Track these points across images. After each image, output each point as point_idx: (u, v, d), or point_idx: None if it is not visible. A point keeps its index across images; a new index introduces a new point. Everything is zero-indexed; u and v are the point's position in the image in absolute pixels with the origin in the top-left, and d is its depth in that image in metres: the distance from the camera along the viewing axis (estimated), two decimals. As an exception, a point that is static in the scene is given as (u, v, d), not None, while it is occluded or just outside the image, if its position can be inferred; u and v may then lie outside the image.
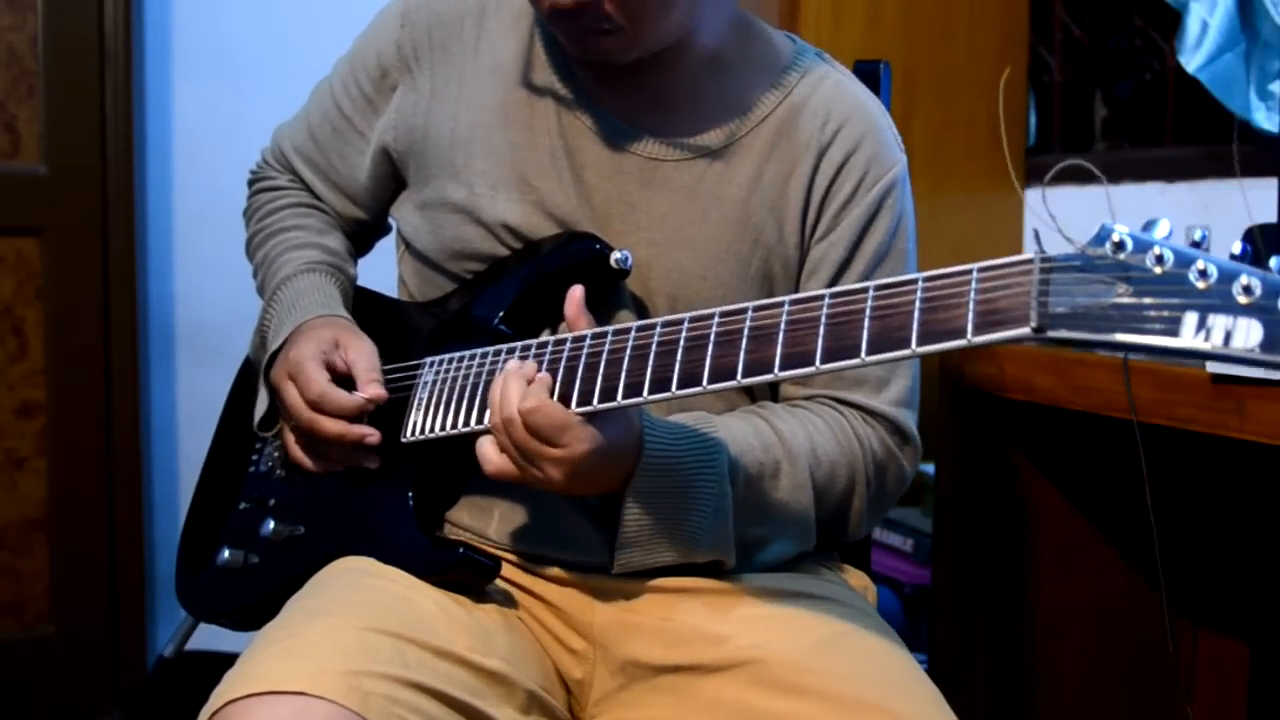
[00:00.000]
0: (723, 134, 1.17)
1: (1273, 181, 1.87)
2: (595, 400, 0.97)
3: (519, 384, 1.00)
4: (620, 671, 1.13)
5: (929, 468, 2.14)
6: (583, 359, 0.99)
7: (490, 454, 1.03)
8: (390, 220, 1.33)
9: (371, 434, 1.13)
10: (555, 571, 1.16)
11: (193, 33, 2.70)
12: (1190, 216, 2.01)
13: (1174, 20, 2.09)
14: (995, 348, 1.75)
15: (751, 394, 1.21)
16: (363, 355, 1.16)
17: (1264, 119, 2.01)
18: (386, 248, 1.38)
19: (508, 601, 1.14)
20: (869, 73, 1.44)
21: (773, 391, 1.22)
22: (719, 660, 1.07)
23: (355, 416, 1.14)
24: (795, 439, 1.12)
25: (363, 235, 1.37)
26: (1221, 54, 2.01)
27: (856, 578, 1.26)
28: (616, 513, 1.06)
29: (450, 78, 1.21)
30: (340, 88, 1.28)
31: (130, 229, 2.57)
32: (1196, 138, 2.07)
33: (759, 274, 1.16)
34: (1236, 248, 0.73)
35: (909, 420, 1.20)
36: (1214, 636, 2.02)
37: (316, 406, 1.13)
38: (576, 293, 1.03)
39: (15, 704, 2.53)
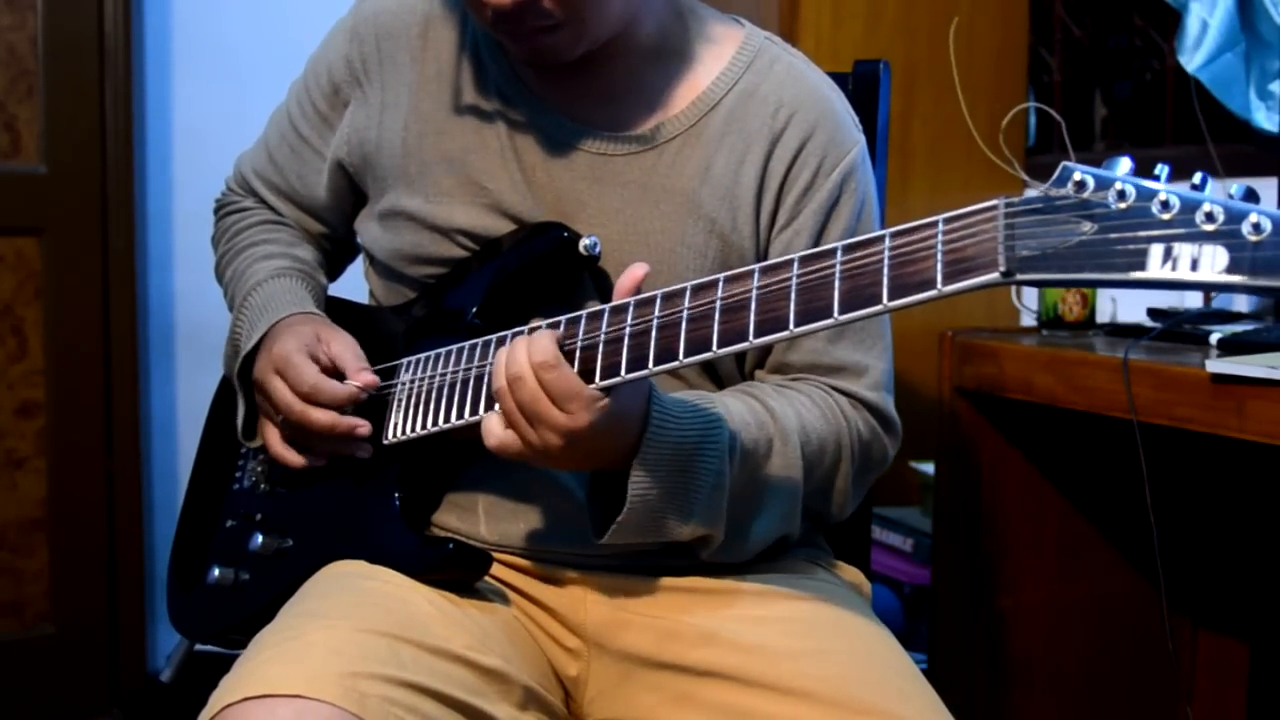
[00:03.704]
0: (671, 125, 1.17)
1: (1273, 181, 1.87)
2: (624, 371, 0.95)
3: (524, 348, 0.98)
4: (615, 665, 1.13)
5: (929, 467, 2.14)
6: (601, 335, 0.98)
7: (494, 427, 1.01)
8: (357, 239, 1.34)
9: (362, 425, 1.13)
10: (546, 569, 1.16)
11: (193, 32, 2.70)
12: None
13: (1174, 20, 2.09)
14: (995, 347, 1.75)
15: (719, 379, 1.20)
16: (346, 346, 1.16)
17: (1264, 119, 2.01)
18: (355, 265, 1.38)
19: (502, 599, 1.14)
20: (869, 73, 1.44)
21: (741, 378, 1.22)
22: (712, 662, 1.07)
23: (344, 408, 1.14)
24: (786, 417, 1.11)
25: (333, 252, 1.37)
26: (1221, 54, 2.01)
27: (851, 575, 1.26)
28: (608, 488, 1.05)
29: (399, 89, 1.21)
30: (296, 108, 1.30)
31: (130, 229, 2.57)
32: (1196, 138, 2.07)
33: (715, 264, 1.15)
34: (1197, 178, 0.74)
35: (889, 404, 1.20)
36: (1214, 636, 2.02)
37: (309, 399, 1.13)
38: (638, 272, 0.99)
39: (15, 704, 2.53)
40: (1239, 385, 1.36)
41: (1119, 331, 1.83)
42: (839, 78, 1.32)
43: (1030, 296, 2.00)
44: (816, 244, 1.16)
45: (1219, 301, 1.92)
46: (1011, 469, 1.87)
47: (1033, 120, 2.49)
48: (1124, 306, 2.04)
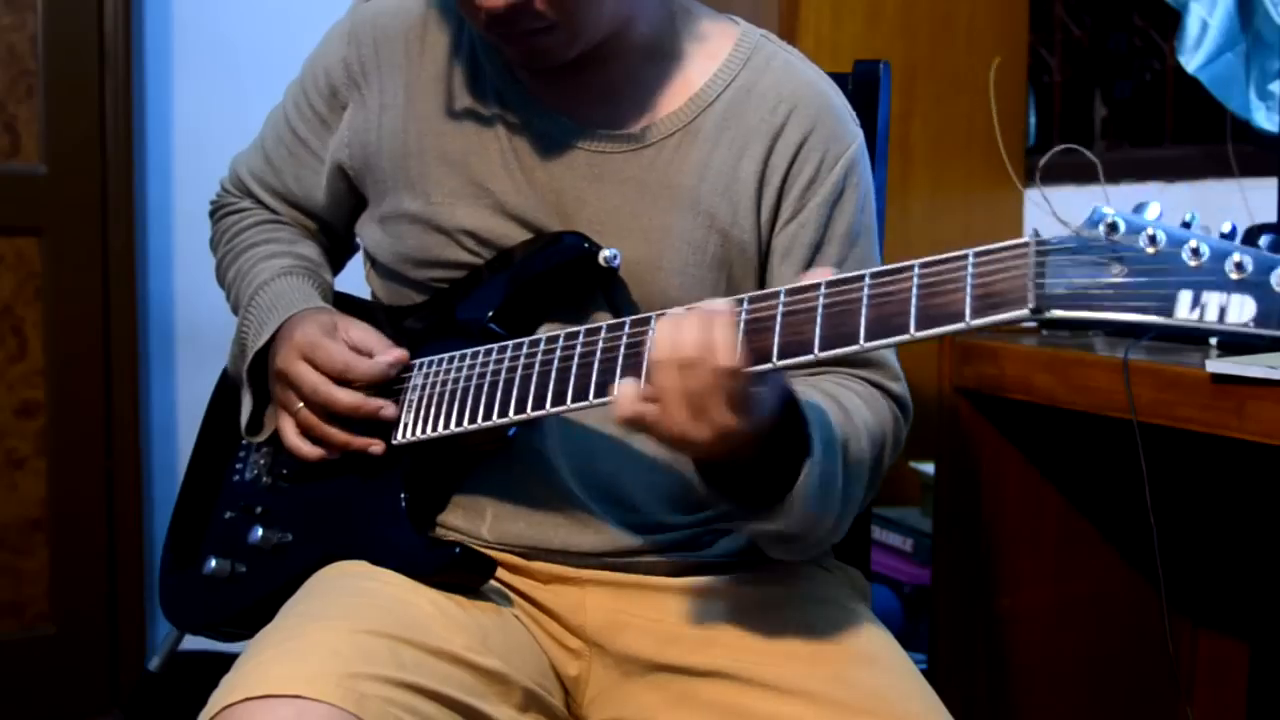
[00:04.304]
0: (668, 122, 1.17)
1: (1273, 181, 1.87)
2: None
3: (713, 333, 0.90)
4: (615, 667, 1.13)
5: (929, 468, 2.14)
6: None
7: (630, 397, 0.92)
8: (356, 240, 1.33)
9: (387, 406, 1.13)
10: (548, 569, 1.16)
11: (193, 32, 2.70)
12: (1189, 216, 2.01)
13: (1174, 20, 2.09)
14: (995, 348, 1.75)
15: None
16: (367, 330, 1.17)
17: (1264, 119, 2.01)
18: (356, 265, 1.38)
19: (503, 600, 1.14)
20: (869, 73, 1.44)
21: None
22: (712, 662, 1.07)
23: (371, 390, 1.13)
24: (857, 412, 1.10)
25: (333, 249, 1.37)
26: (1221, 54, 2.01)
27: (851, 575, 1.26)
28: (735, 475, 1.00)
29: (398, 91, 1.21)
30: (293, 110, 1.29)
31: (130, 229, 2.58)
32: (1196, 138, 2.07)
33: (715, 260, 1.16)
34: (1226, 227, 0.75)
35: (907, 392, 1.21)
36: (1214, 636, 2.02)
37: (342, 377, 1.13)
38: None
39: (15, 704, 2.53)
40: (1239, 385, 1.36)
41: (1119, 331, 1.83)
42: (839, 78, 1.32)
43: (1030, 296, 2.00)
44: (823, 236, 1.17)
45: (1219, 301, 1.92)
46: (1011, 469, 1.86)
47: (1033, 120, 2.49)
48: (1124, 306, 2.03)
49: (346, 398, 1.13)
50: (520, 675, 1.06)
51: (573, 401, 1.00)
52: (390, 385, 1.16)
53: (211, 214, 1.41)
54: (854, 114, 1.24)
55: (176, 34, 2.70)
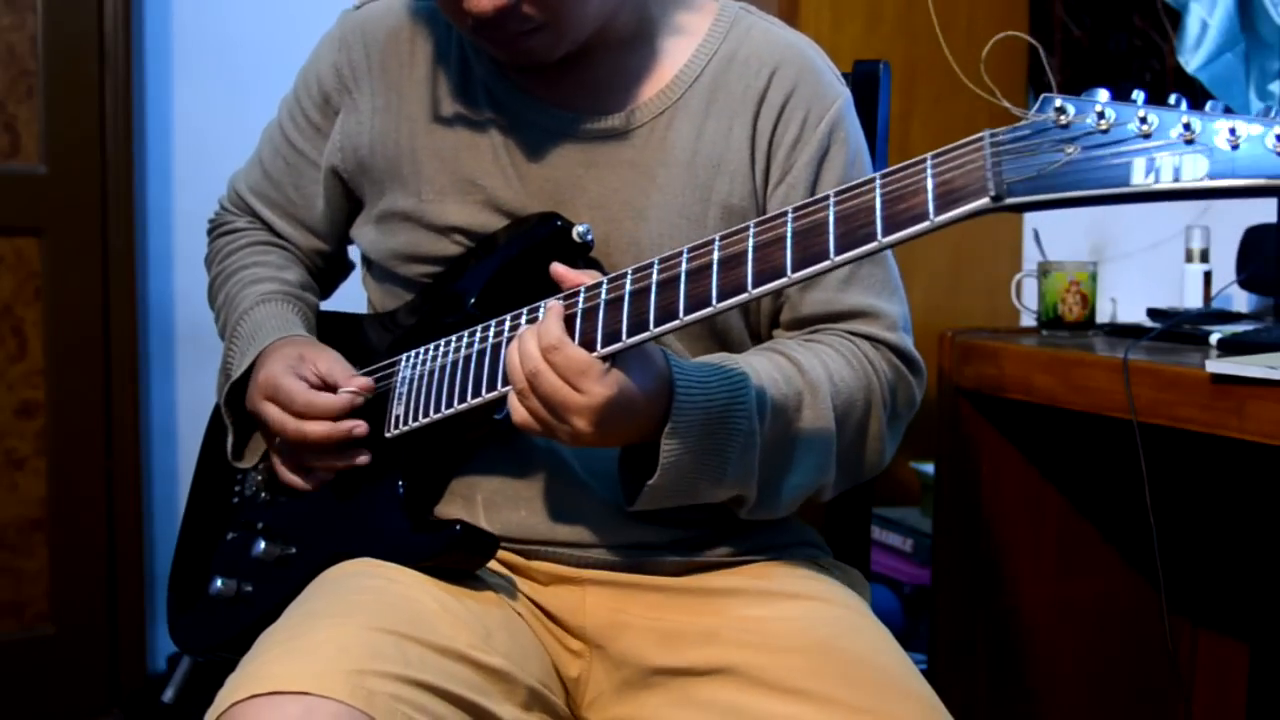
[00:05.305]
0: (656, 102, 1.18)
1: (1272, 182, 1.87)
2: (624, 336, 0.95)
3: (533, 337, 0.98)
4: (615, 668, 1.13)
5: (929, 468, 2.14)
6: (601, 301, 0.98)
7: (518, 403, 1.01)
8: (353, 251, 1.34)
9: (359, 425, 1.13)
10: (548, 569, 1.16)
11: (193, 32, 2.70)
12: (1189, 216, 2.02)
13: (1174, 20, 2.09)
14: (995, 348, 1.75)
15: (725, 340, 1.20)
16: (333, 361, 1.17)
17: (1264, 119, 2.01)
18: (356, 277, 1.38)
19: (507, 598, 1.14)
20: (869, 73, 1.45)
21: (754, 343, 1.22)
22: (712, 662, 1.07)
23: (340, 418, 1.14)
24: (813, 369, 1.11)
25: (327, 270, 1.37)
26: (1221, 54, 2.01)
27: (851, 575, 1.26)
28: (640, 456, 1.05)
29: (389, 93, 1.22)
30: (288, 121, 1.30)
31: (130, 229, 2.57)
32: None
33: (716, 232, 1.16)
34: (1172, 99, 0.77)
35: (910, 344, 1.21)
36: (1214, 636, 2.03)
37: (305, 415, 1.13)
38: (557, 267, 1.03)
39: (15, 704, 2.53)
40: (1239, 385, 1.36)
41: (1119, 331, 1.83)
42: (839, 78, 1.32)
43: (1030, 296, 2.00)
44: (812, 195, 1.16)
45: (1219, 302, 1.92)
46: (1011, 469, 1.87)
47: (1032, 120, 2.49)
48: (1124, 306, 2.04)
49: (316, 429, 1.13)
50: (524, 674, 1.06)
51: (602, 346, 0.98)
52: (379, 381, 1.17)
53: (209, 232, 1.41)
54: (838, 72, 1.25)
55: (176, 34, 2.70)
